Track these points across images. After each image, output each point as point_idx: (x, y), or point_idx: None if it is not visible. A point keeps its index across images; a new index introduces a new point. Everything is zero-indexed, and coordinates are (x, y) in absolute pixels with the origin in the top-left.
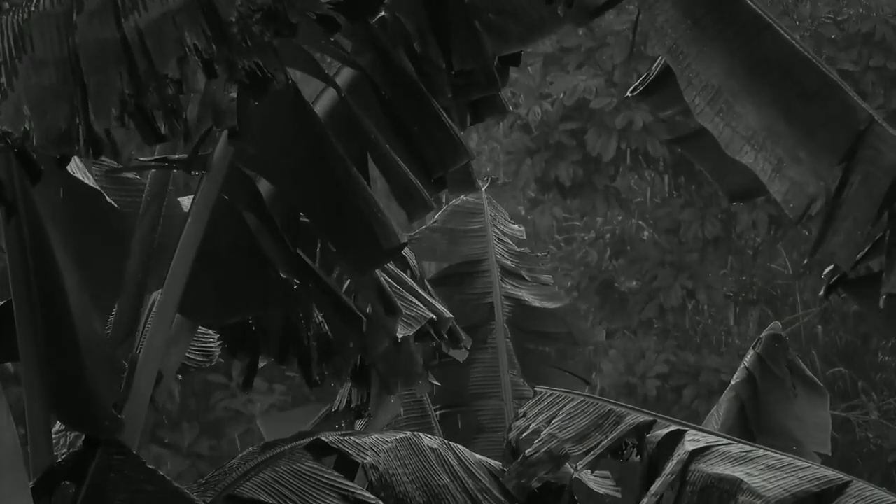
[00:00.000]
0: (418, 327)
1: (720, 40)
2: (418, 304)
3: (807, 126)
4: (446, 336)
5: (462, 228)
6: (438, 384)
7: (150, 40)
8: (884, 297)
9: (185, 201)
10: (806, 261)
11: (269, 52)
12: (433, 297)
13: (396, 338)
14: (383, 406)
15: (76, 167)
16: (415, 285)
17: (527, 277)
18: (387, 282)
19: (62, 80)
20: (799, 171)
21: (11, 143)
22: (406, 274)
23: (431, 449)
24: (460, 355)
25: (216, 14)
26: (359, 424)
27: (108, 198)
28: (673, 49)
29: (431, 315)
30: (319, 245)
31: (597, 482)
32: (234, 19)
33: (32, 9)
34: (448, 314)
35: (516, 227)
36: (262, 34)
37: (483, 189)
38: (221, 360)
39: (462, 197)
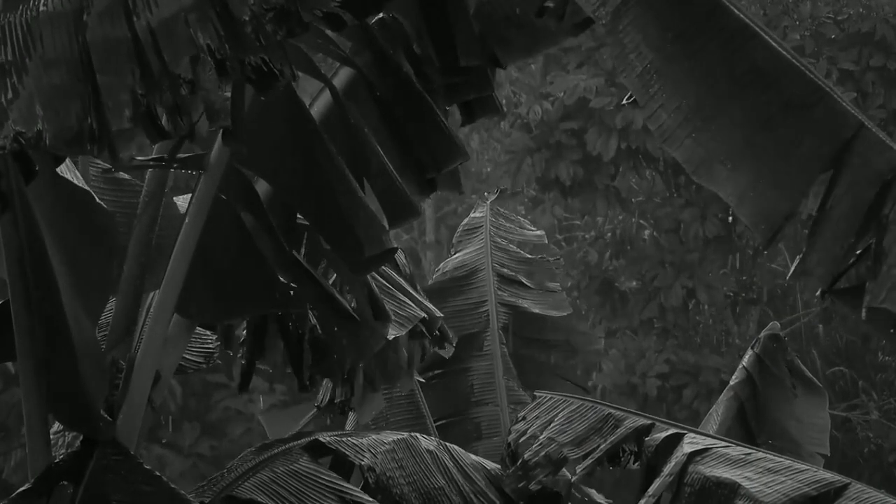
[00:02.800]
0: (410, 327)
1: (702, 53)
2: (410, 303)
3: (790, 136)
4: (437, 333)
5: (465, 241)
6: (423, 380)
7: (162, 39)
8: (865, 309)
9: (182, 200)
10: (787, 277)
11: (278, 48)
12: (423, 296)
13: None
14: (367, 402)
15: (65, 167)
16: (405, 284)
17: (529, 285)
18: (378, 282)
19: (74, 79)
20: (773, 189)
21: (25, 142)
22: (397, 274)
23: (428, 451)
24: (446, 353)
25: (229, 13)
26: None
27: (96, 198)
28: (644, 73)
29: (423, 314)
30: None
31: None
32: (247, 18)
33: (42, 7)
34: (438, 313)
35: (535, 232)
36: (275, 33)
37: (489, 201)
38: (220, 362)
39: (471, 214)
